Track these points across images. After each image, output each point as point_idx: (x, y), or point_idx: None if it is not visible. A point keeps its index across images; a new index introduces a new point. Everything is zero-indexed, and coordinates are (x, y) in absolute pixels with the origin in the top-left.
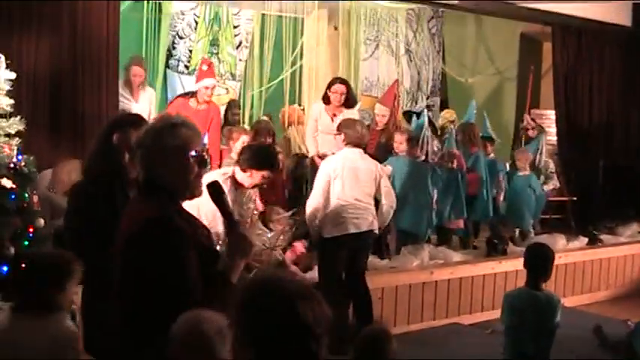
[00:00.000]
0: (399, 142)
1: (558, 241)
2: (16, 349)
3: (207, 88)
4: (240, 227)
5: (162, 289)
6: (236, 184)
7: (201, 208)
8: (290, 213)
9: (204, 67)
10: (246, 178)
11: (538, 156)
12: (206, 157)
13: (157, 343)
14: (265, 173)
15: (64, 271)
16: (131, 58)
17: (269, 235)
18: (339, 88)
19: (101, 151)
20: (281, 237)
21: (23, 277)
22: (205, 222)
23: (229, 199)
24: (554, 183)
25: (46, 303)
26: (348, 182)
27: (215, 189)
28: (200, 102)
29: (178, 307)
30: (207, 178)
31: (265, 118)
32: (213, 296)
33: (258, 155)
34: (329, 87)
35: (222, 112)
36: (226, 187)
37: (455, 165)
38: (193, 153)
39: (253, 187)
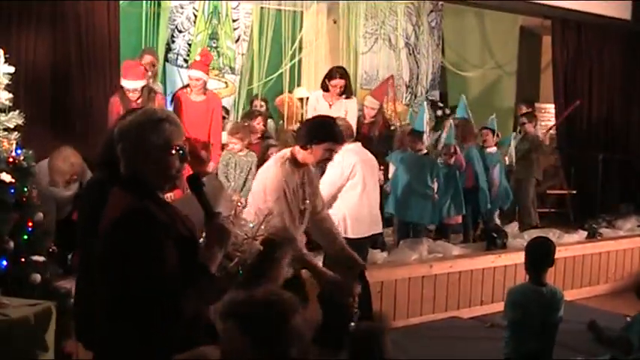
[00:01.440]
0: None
1: (550, 237)
2: None
3: (190, 78)
4: (219, 218)
5: (138, 278)
6: (296, 164)
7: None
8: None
9: (197, 58)
10: (308, 155)
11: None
12: (187, 151)
13: (135, 332)
14: (326, 145)
15: None
16: (143, 49)
17: (251, 225)
18: (338, 82)
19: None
20: (262, 227)
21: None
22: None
23: (288, 182)
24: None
25: None
26: (370, 180)
27: (194, 181)
28: (195, 92)
29: (155, 296)
30: (266, 165)
31: (262, 102)
32: (192, 286)
33: (316, 128)
34: (329, 79)
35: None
36: (283, 169)
37: (453, 160)
38: (176, 148)
39: (319, 163)
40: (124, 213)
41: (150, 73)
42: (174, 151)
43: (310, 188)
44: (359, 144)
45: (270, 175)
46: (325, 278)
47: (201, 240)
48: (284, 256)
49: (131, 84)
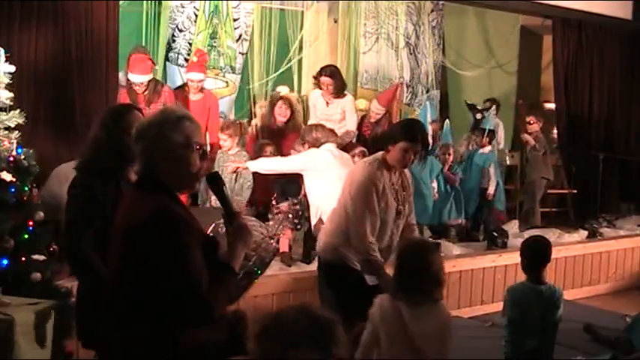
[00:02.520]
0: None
1: (550, 237)
2: (418, 332)
3: (191, 80)
4: (241, 218)
5: (170, 277)
6: (387, 167)
7: None
8: (294, 201)
9: (194, 59)
10: (390, 156)
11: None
12: (207, 150)
13: (165, 332)
14: (402, 145)
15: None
16: (134, 46)
17: (270, 223)
18: (324, 80)
19: (105, 143)
20: (281, 226)
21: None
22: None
23: (376, 183)
24: None
25: (433, 296)
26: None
27: (214, 180)
28: (192, 91)
29: (186, 295)
30: (355, 166)
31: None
32: (219, 284)
33: (393, 129)
34: (319, 76)
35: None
36: (370, 170)
37: (451, 158)
38: (196, 146)
39: (402, 165)
40: (153, 212)
41: None
42: (195, 149)
43: (405, 192)
44: (333, 145)
45: (356, 176)
46: None
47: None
48: (435, 258)
49: (138, 78)
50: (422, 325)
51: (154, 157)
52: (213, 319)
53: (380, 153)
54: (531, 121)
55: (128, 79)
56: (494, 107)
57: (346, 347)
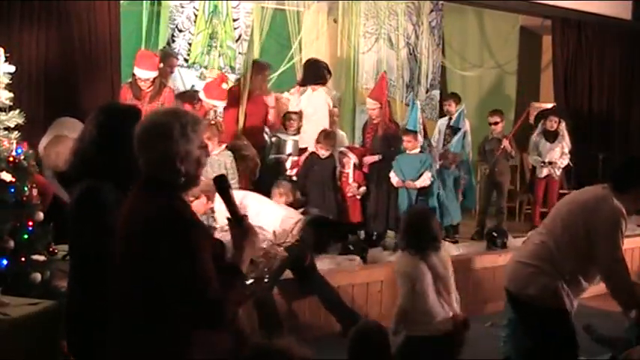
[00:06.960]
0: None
1: None
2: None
3: (212, 105)
4: (247, 221)
5: (181, 279)
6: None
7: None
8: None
9: (225, 86)
10: (625, 197)
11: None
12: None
13: (178, 333)
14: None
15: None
16: (164, 50)
17: (278, 230)
18: None
19: (111, 146)
20: (290, 234)
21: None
22: None
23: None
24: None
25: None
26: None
27: (221, 182)
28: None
29: (197, 297)
30: (602, 203)
31: None
32: (227, 286)
33: (631, 170)
34: None
35: None
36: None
37: (454, 165)
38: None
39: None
40: (162, 211)
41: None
42: (204, 150)
43: None
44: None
45: (611, 214)
46: None
47: None
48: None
49: (144, 73)
50: (441, 268)
51: (174, 157)
52: (223, 321)
53: (600, 186)
54: (496, 121)
55: (133, 74)
56: (464, 106)
57: None
